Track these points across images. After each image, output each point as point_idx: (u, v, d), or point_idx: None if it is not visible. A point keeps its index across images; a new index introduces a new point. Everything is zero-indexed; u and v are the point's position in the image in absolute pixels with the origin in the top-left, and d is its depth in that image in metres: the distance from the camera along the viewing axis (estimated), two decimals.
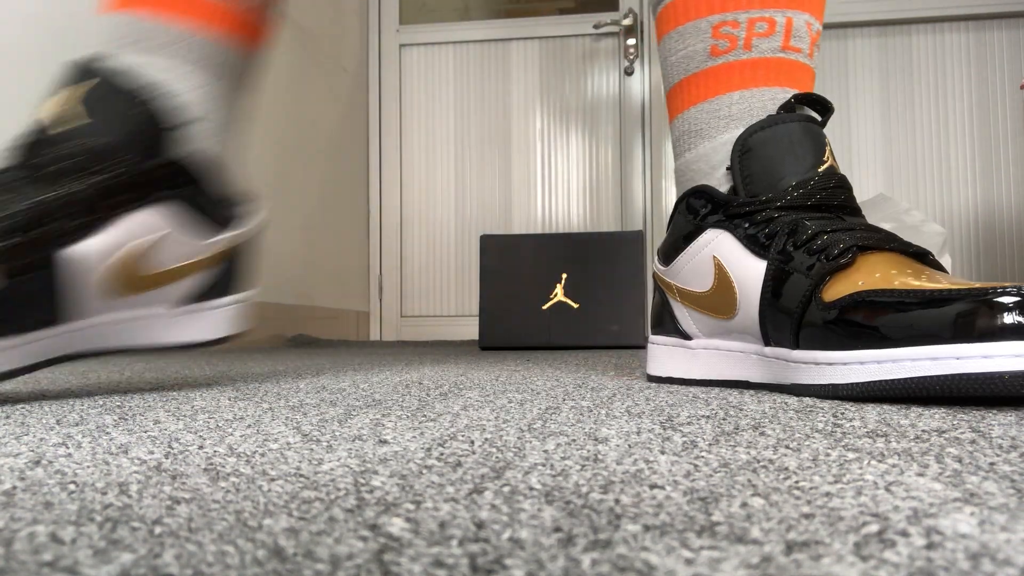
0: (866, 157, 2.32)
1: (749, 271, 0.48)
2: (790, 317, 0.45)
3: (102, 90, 0.46)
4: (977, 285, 0.38)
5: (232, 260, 0.53)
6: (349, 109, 2.39)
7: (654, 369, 0.58)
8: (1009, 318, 0.36)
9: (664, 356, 0.57)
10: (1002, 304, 0.36)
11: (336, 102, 2.28)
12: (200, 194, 0.49)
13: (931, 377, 0.37)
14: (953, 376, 0.37)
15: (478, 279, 1.60)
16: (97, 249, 0.44)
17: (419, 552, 0.15)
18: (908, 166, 2.31)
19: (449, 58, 2.51)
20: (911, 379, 0.38)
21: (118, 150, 0.45)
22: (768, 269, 0.47)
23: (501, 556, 0.14)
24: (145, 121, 0.46)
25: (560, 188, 2.42)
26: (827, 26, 2.33)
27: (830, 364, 0.42)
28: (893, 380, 0.39)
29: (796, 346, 0.45)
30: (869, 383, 0.40)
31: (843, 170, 2.33)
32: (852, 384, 0.40)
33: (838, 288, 0.43)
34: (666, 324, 0.57)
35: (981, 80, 2.28)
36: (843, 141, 2.32)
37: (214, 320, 0.52)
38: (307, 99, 2.06)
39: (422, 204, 2.50)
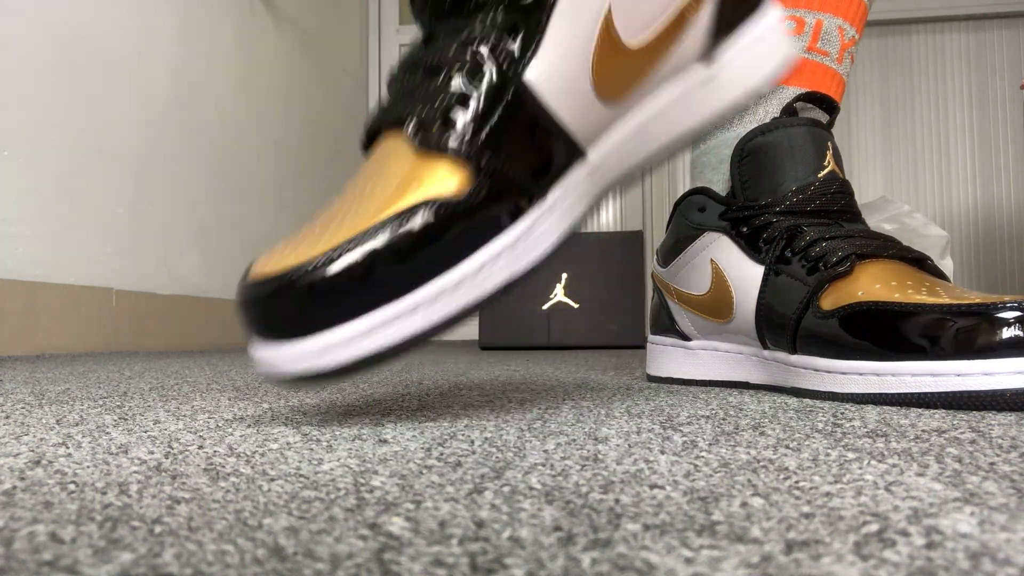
0: (866, 157, 2.32)
1: (746, 275, 0.48)
2: (787, 323, 0.45)
3: None
4: (978, 299, 0.38)
5: None
6: (349, 109, 2.39)
7: (654, 369, 0.58)
8: (1010, 333, 0.36)
9: (663, 356, 0.57)
10: (1003, 319, 0.36)
11: (336, 102, 2.28)
12: None
13: (932, 394, 0.37)
14: (954, 393, 0.37)
15: None
16: (558, 56, 0.33)
17: (419, 551, 0.15)
18: (908, 166, 2.31)
19: None
20: (911, 394, 0.38)
21: None
22: (765, 274, 0.47)
23: (501, 555, 0.14)
24: None
25: None
26: None
27: (829, 372, 0.42)
28: (893, 394, 0.39)
29: (794, 351, 0.45)
30: (868, 395, 0.40)
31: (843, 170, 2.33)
32: (851, 394, 0.40)
33: (837, 297, 0.43)
34: (665, 324, 0.57)
35: (981, 80, 2.28)
36: (843, 141, 2.32)
37: (764, 45, 0.38)
38: (307, 99, 2.06)
39: None
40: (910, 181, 2.30)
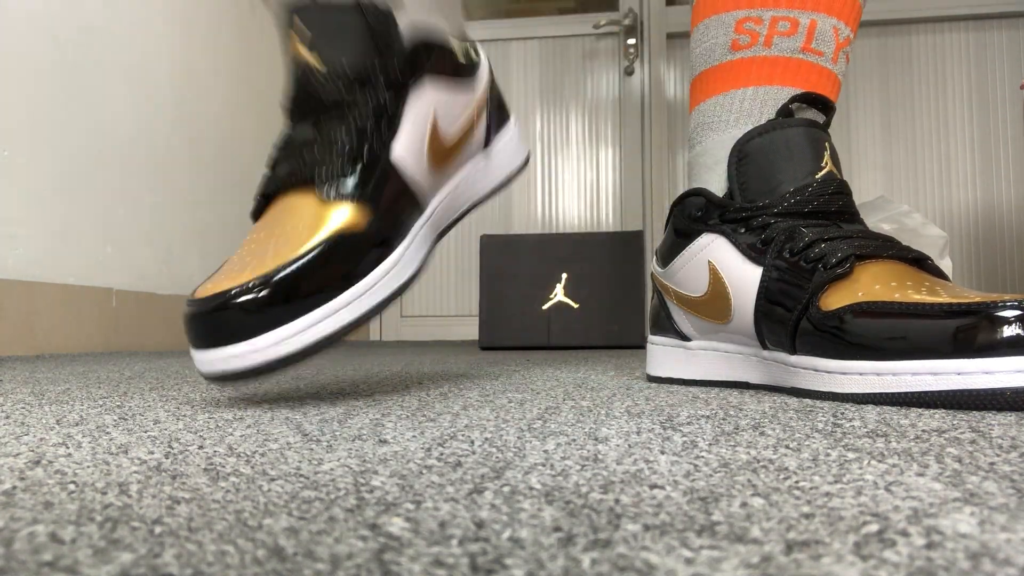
0: (866, 157, 2.32)
1: (744, 276, 0.48)
2: (786, 324, 0.45)
3: (318, 23, 0.47)
4: (977, 298, 0.38)
5: (491, 93, 0.58)
6: None
7: (654, 369, 0.58)
8: (1010, 332, 0.36)
9: (663, 357, 0.57)
10: (1003, 318, 0.36)
11: None
12: (440, 60, 0.51)
13: (932, 392, 0.37)
14: (954, 392, 0.37)
15: (478, 279, 1.60)
16: (407, 142, 0.48)
17: (419, 552, 0.15)
18: (908, 166, 2.31)
19: None
20: (912, 393, 0.38)
21: (362, 66, 0.47)
22: (764, 276, 0.47)
23: (501, 555, 0.14)
24: (364, 29, 0.47)
25: (560, 188, 2.42)
26: None
27: (829, 372, 0.42)
28: (893, 394, 0.39)
29: (793, 351, 0.45)
30: (869, 394, 0.40)
31: (843, 171, 2.33)
32: (851, 394, 0.40)
33: (837, 298, 0.43)
34: (664, 325, 0.57)
35: (981, 80, 2.28)
36: (843, 141, 2.32)
37: (515, 144, 0.60)
38: None
39: None
40: (910, 181, 2.31)
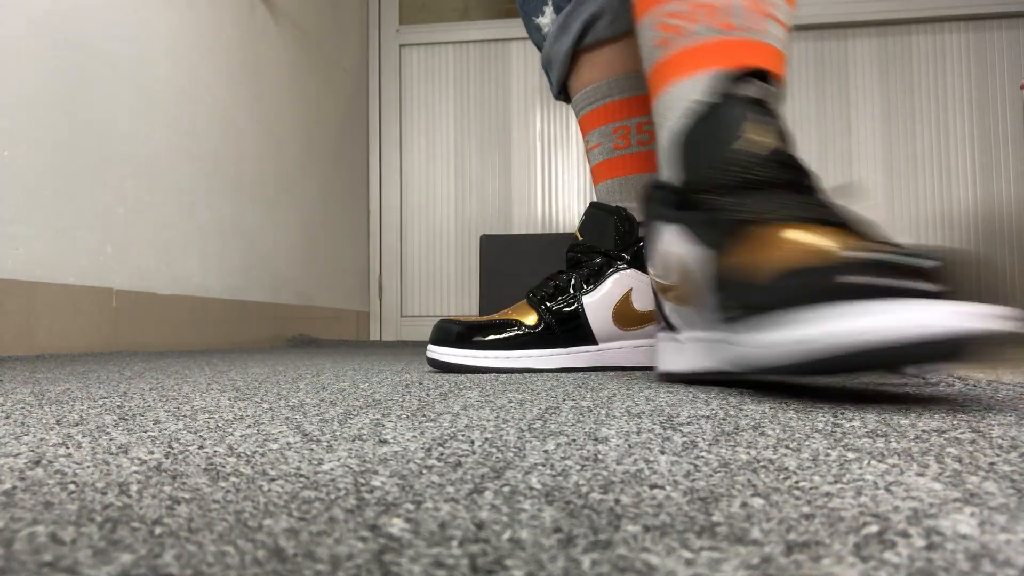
0: (866, 157, 2.32)
1: (699, 258, 0.49)
2: (728, 301, 0.45)
3: (596, 216, 0.78)
4: (888, 245, 0.37)
5: None
6: (349, 109, 2.39)
7: (658, 365, 0.58)
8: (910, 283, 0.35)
9: (663, 351, 0.57)
10: (907, 265, 0.35)
11: (336, 102, 2.28)
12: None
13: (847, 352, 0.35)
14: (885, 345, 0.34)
15: (478, 279, 1.60)
16: (600, 296, 0.75)
17: (419, 552, 0.15)
18: (908, 166, 2.31)
19: (449, 58, 2.51)
20: (837, 355, 0.35)
21: (597, 246, 0.76)
22: (712, 255, 0.47)
23: (501, 556, 0.14)
24: (613, 226, 0.76)
25: (560, 188, 2.42)
26: (827, 26, 2.33)
27: (761, 347, 0.40)
28: (824, 356, 0.36)
29: (735, 330, 0.44)
30: (803, 362, 0.37)
31: (843, 169, 2.33)
32: (795, 364, 0.38)
33: (760, 265, 0.42)
34: (662, 320, 0.58)
35: (981, 80, 2.28)
36: (843, 141, 2.32)
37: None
38: (307, 99, 2.06)
39: (422, 204, 2.50)
40: (910, 180, 2.30)
